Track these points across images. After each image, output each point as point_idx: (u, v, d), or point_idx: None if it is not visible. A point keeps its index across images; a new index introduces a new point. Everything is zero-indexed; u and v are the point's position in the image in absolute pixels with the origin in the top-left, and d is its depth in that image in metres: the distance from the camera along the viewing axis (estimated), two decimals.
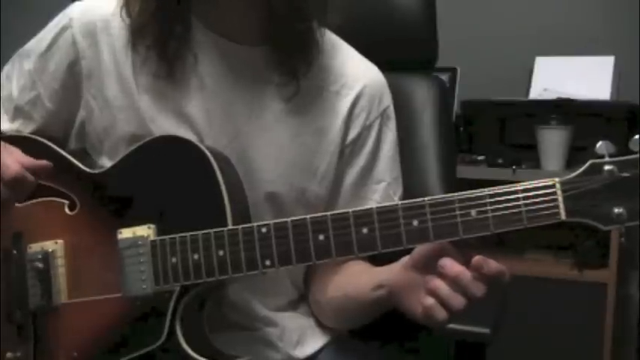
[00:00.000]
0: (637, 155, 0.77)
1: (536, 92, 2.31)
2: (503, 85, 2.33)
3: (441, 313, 0.84)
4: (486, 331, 1.17)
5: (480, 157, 2.21)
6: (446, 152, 1.35)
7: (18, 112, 1.07)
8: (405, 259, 0.90)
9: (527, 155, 2.12)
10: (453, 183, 1.34)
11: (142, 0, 0.98)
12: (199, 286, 0.91)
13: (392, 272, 0.93)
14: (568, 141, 2.05)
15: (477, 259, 0.82)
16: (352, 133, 1.07)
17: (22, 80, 1.06)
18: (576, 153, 2.04)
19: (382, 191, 1.08)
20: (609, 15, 2.32)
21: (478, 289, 0.82)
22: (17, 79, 1.07)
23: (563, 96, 2.15)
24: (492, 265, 0.82)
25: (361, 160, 1.08)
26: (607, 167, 0.77)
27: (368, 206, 0.86)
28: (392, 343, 1.17)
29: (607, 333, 2.02)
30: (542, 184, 0.79)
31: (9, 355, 0.97)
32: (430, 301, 0.84)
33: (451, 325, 0.88)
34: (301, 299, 1.13)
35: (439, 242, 0.84)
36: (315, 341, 1.10)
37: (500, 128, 2.20)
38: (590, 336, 2.02)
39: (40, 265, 0.97)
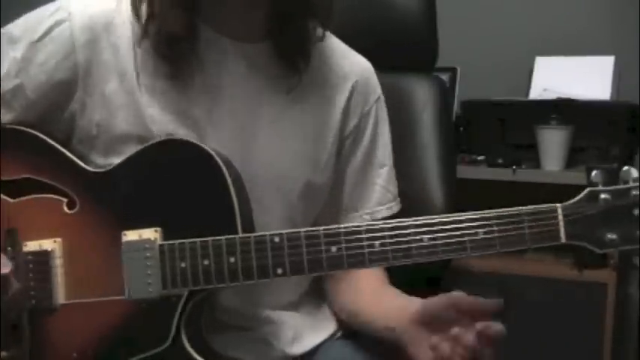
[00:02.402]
0: (629, 185, 0.84)
1: (536, 92, 2.30)
2: (503, 85, 2.33)
3: None
4: None
5: (480, 157, 2.20)
6: (446, 152, 1.35)
7: None
8: (415, 307, 0.94)
9: (527, 155, 2.11)
10: (453, 183, 1.34)
11: (149, 3, 0.97)
12: (207, 290, 0.91)
13: (402, 320, 0.96)
14: (568, 141, 2.04)
15: (481, 326, 0.86)
16: (352, 123, 1.10)
17: (7, 66, 1.01)
18: (576, 153, 2.03)
19: (386, 174, 1.12)
20: (609, 15, 2.32)
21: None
22: (1, 65, 1.01)
23: (563, 96, 2.14)
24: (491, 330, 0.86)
25: (363, 146, 1.11)
26: (602, 196, 0.84)
27: (381, 220, 0.92)
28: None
29: (607, 333, 2.01)
30: (545, 209, 0.86)
31: (4, 354, 0.96)
32: None
33: None
34: (302, 300, 1.13)
35: (447, 301, 0.89)
36: (313, 337, 1.11)
37: (500, 128, 2.20)
38: (590, 336, 2.02)
39: (37, 263, 0.96)
